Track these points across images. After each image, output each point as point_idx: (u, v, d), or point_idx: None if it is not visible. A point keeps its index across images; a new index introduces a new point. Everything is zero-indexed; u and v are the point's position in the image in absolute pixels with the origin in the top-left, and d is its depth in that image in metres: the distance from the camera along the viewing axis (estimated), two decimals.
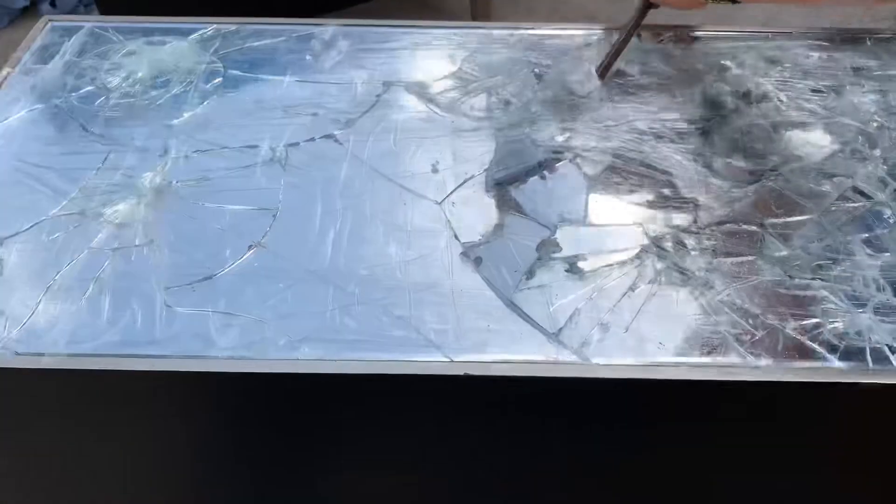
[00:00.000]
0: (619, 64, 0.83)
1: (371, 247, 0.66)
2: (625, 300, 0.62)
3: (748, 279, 0.63)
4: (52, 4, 2.22)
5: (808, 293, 0.62)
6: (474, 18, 2.11)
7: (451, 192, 0.70)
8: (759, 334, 0.59)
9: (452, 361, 0.58)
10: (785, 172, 0.72)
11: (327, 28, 0.89)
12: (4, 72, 0.83)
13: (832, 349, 0.58)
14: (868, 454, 0.67)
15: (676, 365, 0.58)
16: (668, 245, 0.65)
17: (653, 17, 0.85)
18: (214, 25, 0.90)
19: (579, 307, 0.61)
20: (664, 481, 0.72)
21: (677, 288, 0.62)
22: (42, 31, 0.89)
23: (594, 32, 0.89)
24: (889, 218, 0.68)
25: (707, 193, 0.70)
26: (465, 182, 0.71)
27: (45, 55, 0.86)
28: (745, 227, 0.67)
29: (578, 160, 0.73)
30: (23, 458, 0.72)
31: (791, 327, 0.60)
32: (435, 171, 0.71)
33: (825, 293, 0.62)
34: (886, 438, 0.65)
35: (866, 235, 0.66)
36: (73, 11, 2.25)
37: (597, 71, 0.82)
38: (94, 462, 0.72)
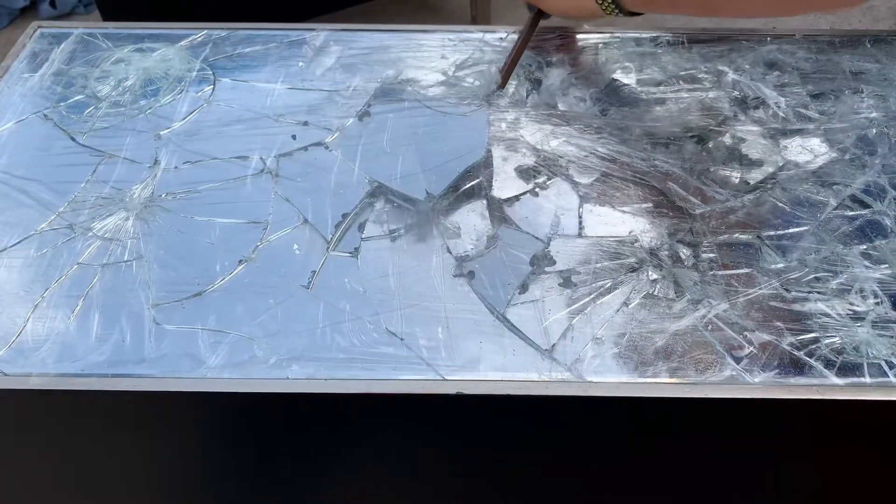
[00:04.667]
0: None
1: (362, 260, 0.65)
2: (619, 315, 0.61)
3: (745, 292, 0.62)
4: (52, 4, 2.20)
5: (806, 307, 0.61)
6: (473, 20, 2.10)
7: (445, 205, 0.69)
8: (755, 350, 0.58)
9: (445, 380, 0.57)
10: (782, 181, 0.71)
11: (319, 34, 0.88)
12: None
13: (829, 365, 0.57)
14: (866, 471, 0.67)
15: (671, 382, 0.57)
16: (664, 257, 0.65)
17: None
18: (205, 31, 0.89)
19: (573, 322, 0.60)
20: (659, 499, 0.72)
21: (673, 302, 0.61)
22: (31, 38, 0.88)
23: (593, 34, 0.88)
24: (888, 228, 0.67)
25: (704, 203, 0.69)
26: (456, 191, 0.70)
27: (34, 63, 0.85)
28: (741, 238, 0.66)
29: (571, 168, 0.72)
30: (9, 480, 0.71)
31: (787, 342, 0.59)
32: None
33: (822, 307, 0.61)
34: (884, 455, 0.64)
35: (865, 247, 0.65)
36: (72, 11, 2.24)
37: (497, 77, 0.80)
38: (83, 483, 0.72)
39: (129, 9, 1.65)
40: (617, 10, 0.71)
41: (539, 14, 0.84)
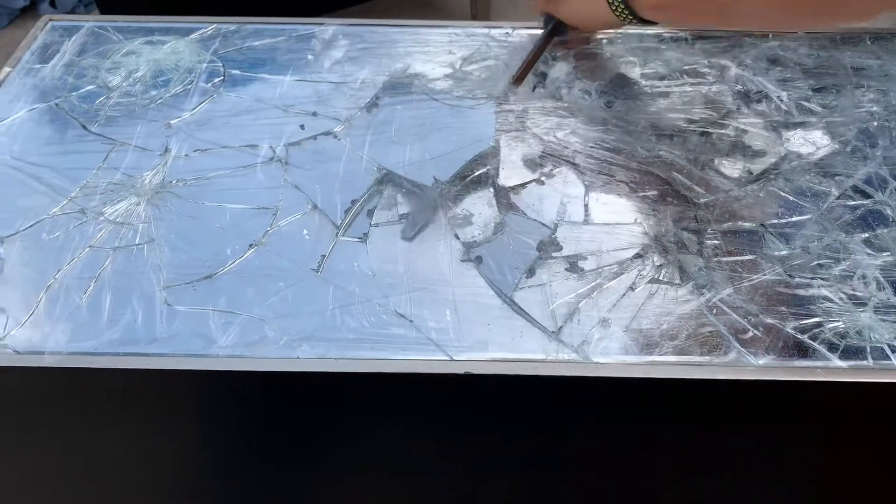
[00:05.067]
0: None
1: (371, 245, 0.65)
2: (625, 299, 0.62)
3: (749, 278, 0.63)
4: (52, 4, 2.22)
5: (809, 292, 0.62)
6: (474, 17, 2.12)
7: (452, 192, 0.70)
8: (759, 333, 0.59)
9: (453, 360, 0.58)
10: (785, 171, 0.72)
11: (327, 28, 0.89)
12: (4, 71, 0.83)
13: (832, 348, 0.58)
14: (868, 452, 0.67)
15: (676, 364, 0.58)
16: (669, 244, 0.65)
17: None
18: (214, 25, 0.90)
19: (579, 306, 0.61)
20: (664, 479, 0.72)
21: (677, 287, 0.62)
22: (42, 30, 0.89)
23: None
24: (889, 217, 0.68)
25: (708, 192, 0.70)
26: (464, 180, 0.71)
27: (46, 54, 0.86)
28: (745, 225, 0.67)
29: (577, 158, 0.73)
30: (23, 458, 0.72)
31: (791, 326, 0.59)
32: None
33: (825, 292, 0.62)
34: (887, 436, 0.65)
35: (866, 235, 0.66)
36: (72, 11, 2.25)
37: (512, 77, 0.81)
38: (95, 460, 0.72)
39: (129, 9, 1.66)
40: (632, 17, 0.74)
41: (555, 28, 0.84)
